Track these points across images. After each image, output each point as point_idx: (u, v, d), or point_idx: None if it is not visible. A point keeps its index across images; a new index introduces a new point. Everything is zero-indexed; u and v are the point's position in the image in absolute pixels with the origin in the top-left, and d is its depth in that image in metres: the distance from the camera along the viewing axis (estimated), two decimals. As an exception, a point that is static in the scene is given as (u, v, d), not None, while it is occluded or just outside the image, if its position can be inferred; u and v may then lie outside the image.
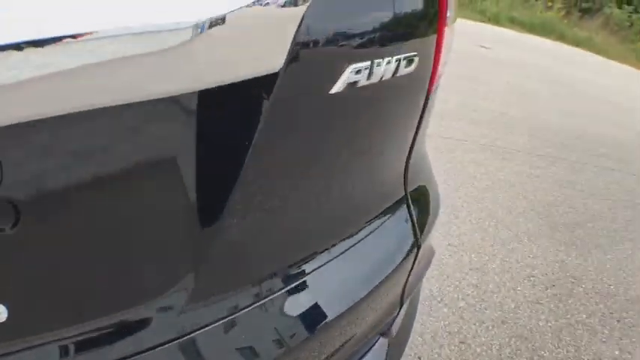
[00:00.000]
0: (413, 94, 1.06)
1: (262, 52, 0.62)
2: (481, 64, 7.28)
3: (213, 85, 0.56)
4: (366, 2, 0.89)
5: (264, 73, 0.64)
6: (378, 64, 0.85)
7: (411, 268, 1.12)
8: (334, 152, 0.88)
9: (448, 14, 1.08)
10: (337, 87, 0.78)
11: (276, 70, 0.65)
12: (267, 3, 0.58)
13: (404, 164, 1.13)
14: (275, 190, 0.78)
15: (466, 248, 2.77)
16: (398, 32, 0.95)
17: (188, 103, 0.58)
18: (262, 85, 0.66)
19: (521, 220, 3.24)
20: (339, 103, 0.82)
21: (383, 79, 0.87)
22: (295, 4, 0.64)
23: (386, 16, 0.91)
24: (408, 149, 1.12)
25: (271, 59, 0.64)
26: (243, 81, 0.60)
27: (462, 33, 8.86)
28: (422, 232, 1.17)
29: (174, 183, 0.61)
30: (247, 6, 0.53)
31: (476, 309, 2.36)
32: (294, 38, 0.66)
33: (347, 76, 0.79)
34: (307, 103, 0.78)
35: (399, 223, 1.12)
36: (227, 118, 0.66)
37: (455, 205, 3.16)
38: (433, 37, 1.04)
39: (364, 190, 1.01)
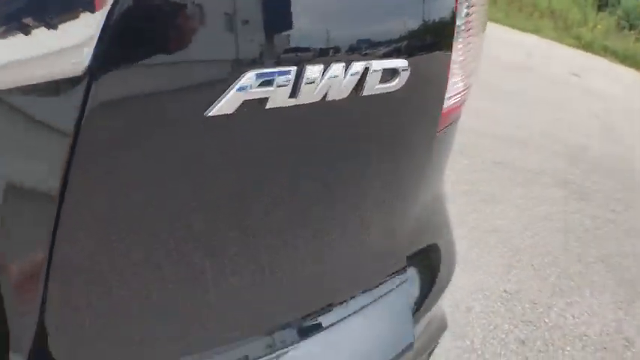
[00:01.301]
0: (400, 124, 0.72)
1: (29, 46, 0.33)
2: (570, 93, 6.62)
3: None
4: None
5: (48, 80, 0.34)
6: (317, 72, 0.50)
7: None
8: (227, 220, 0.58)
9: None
10: (221, 106, 0.46)
11: (78, 75, 0.36)
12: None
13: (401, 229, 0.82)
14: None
15: (521, 297, 2.40)
16: (368, 23, 0.60)
17: None
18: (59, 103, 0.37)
19: (587, 271, 2.81)
20: (226, 131, 0.49)
21: (328, 97, 0.53)
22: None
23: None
24: (405, 208, 0.81)
25: (61, 56, 0.34)
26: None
27: (554, 57, 8.23)
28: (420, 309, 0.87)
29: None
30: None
31: (518, 371, 2.02)
32: (111, 16, 0.37)
33: (239, 88, 0.46)
34: (146, 133, 0.46)
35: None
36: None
37: (519, 248, 2.77)
38: (445, 46, 0.71)
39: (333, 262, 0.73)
